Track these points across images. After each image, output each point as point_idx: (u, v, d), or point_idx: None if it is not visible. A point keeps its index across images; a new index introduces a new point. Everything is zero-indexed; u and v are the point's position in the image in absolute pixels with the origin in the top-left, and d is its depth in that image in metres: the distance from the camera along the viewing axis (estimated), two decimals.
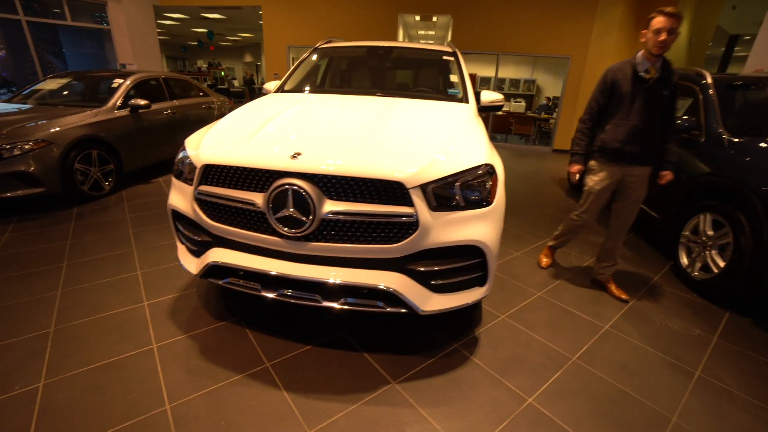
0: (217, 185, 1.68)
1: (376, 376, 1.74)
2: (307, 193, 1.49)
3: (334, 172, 1.51)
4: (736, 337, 2.20)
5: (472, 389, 1.70)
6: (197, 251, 1.87)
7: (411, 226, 1.55)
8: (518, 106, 10.30)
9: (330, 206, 1.52)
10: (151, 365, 1.72)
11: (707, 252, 2.59)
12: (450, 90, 2.89)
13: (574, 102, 7.90)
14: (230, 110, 6.24)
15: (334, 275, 1.58)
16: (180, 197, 1.86)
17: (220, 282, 1.76)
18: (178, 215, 1.94)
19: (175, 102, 4.89)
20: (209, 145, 1.77)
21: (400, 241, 1.55)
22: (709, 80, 3.00)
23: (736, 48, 12.07)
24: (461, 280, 1.72)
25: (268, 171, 1.57)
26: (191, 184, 1.76)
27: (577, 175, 2.42)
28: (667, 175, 2.31)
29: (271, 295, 1.67)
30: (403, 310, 1.63)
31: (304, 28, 8.34)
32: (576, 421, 1.57)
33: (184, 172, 1.85)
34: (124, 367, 1.71)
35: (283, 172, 1.55)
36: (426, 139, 1.79)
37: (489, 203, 1.68)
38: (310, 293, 1.66)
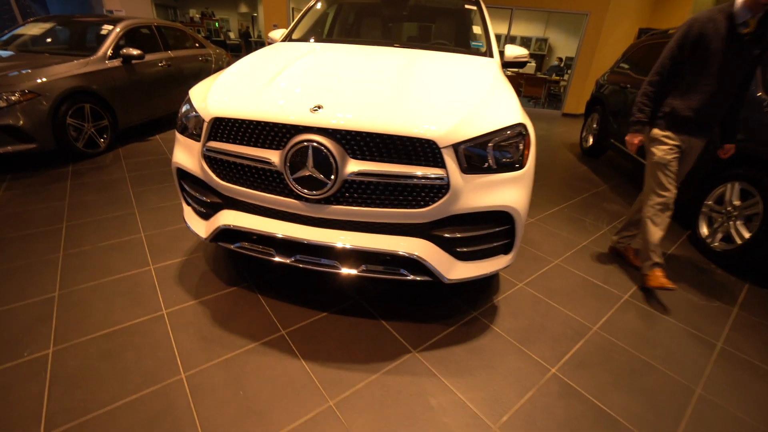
0: (227, 141, 1.53)
1: (396, 344, 1.69)
2: (329, 151, 1.36)
3: (359, 127, 1.37)
4: (756, 309, 2.16)
5: (494, 359, 1.66)
6: (206, 213, 1.76)
7: (441, 189, 1.43)
8: (528, 66, 9.84)
9: (354, 166, 1.39)
10: (162, 332, 1.66)
11: (731, 222, 2.50)
12: (473, 43, 2.65)
13: (589, 63, 7.51)
14: (228, 64, 5.94)
15: (354, 240, 1.49)
16: (186, 154, 1.72)
17: (232, 246, 1.66)
18: (184, 174, 1.81)
19: (170, 53, 4.56)
20: (218, 96, 1.60)
21: (428, 205, 1.44)
22: None
23: None
24: (487, 247, 1.63)
25: (285, 125, 1.42)
26: (198, 140, 1.62)
27: (637, 147, 2.14)
28: (731, 149, 2.13)
29: (286, 261, 1.58)
30: (427, 278, 1.55)
31: None
32: (600, 391, 1.54)
33: (189, 126, 1.69)
34: (134, 333, 1.65)
35: (302, 127, 1.40)
36: (455, 95, 1.63)
37: (521, 166, 1.56)
38: (329, 259, 1.57)
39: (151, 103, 4.31)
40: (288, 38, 2.63)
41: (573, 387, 1.55)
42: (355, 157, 1.41)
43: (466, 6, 2.81)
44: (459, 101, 1.55)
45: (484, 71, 1.95)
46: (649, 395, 1.55)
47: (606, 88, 4.72)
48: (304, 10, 2.82)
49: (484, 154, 1.48)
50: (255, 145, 1.48)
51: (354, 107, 1.43)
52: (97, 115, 3.66)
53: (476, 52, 2.43)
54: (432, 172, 1.40)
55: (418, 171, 1.39)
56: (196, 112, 1.63)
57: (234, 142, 1.52)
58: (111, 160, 3.66)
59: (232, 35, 15.67)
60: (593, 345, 1.79)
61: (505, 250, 1.69)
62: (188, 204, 1.88)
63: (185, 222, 1.85)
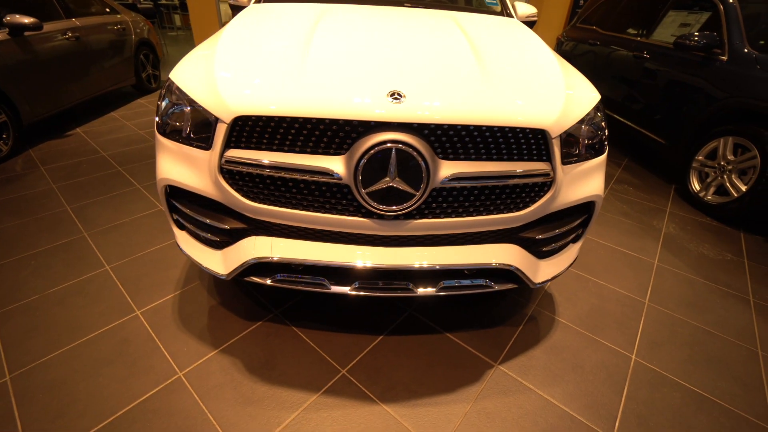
0: (259, 148, 1.12)
1: (474, 360, 1.50)
2: (420, 153, 1.03)
3: (453, 119, 1.06)
4: (761, 257, 2.32)
5: (575, 356, 1.55)
6: (220, 243, 1.34)
7: (543, 186, 1.20)
8: None
9: (447, 169, 1.09)
10: (188, 404, 1.27)
11: (725, 176, 2.63)
12: (488, 1, 2.34)
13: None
14: (150, 34, 4.88)
15: (438, 258, 1.21)
16: (182, 167, 1.26)
17: (267, 282, 1.29)
18: (178, 194, 1.35)
19: (76, 21, 3.56)
20: (240, 83, 1.15)
21: (528, 206, 1.21)
22: None
23: None
24: (565, 242, 1.46)
25: (351, 123, 1.06)
26: (206, 149, 1.18)
27: None
28: None
29: (345, 291, 1.27)
30: (513, 286, 1.35)
31: None
32: (684, 372, 1.51)
33: (185, 128, 1.23)
34: (149, 415, 1.24)
35: (374, 123, 1.05)
36: (535, 69, 1.36)
37: (603, 149, 1.38)
38: (400, 281, 1.28)
39: (61, 88, 3.38)
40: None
41: (659, 372, 1.50)
42: (446, 158, 1.10)
43: None
44: (548, 77, 1.29)
45: (528, 34, 1.69)
46: (725, 366, 1.56)
47: (570, 46, 4.70)
48: None
49: (578, 139, 1.26)
50: (304, 152, 1.10)
51: (439, 93, 1.10)
52: None
53: (489, 10, 2.14)
54: (536, 167, 1.15)
55: (520, 168, 1.14)
56: (198, 106, 1.17)
57: (270, 149, 1.11)
58: (23, 168, 2.83)
59: None
60: (654, 321, 1.76)
61: (575, 239, 1.54)
62: (184, 228, 1.44)
63: (181, 250, 1.41)
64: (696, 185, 2.85)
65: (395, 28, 1.55)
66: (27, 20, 2.92)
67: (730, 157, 2.59)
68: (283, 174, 1.10)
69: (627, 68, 3.56)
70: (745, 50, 2.58)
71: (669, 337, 1.68)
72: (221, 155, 1.13)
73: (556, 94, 1.20)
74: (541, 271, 1.40)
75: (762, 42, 2.61)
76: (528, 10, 2.25)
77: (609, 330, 1.69)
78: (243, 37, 1.43)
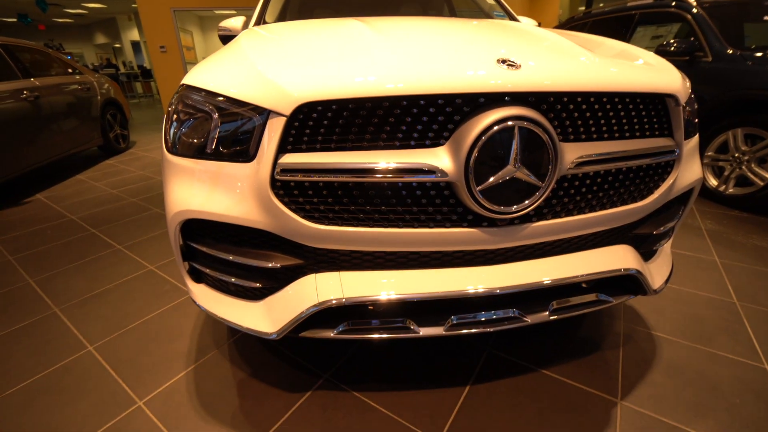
0: (327, 148, 0.84)
1: (589, 398, 1.19)
2: (547, 131, 0.80)
3: (578, 86, 0.84)
4: None
5: (702, 375, 1.27)
6: (261, 291, 1.02)
7: (667, 166, 1.00)
8: None
9: (572, 152, 0.86)
10: None
11: (743, 167, 2.61)
12: (495, 12, 2.30)
13: None
14: (117, 93, 4.61)
15: (560, 270, 0.95)
16: (209, 192, 0.95)
17: (330, 334, 0.96)
18: (198, 232, 1.03)
19: (35, 81, 3.26)
20: (298, 66, 0.89)
21: (652, 192, 0.99)
22: (693, 1, 3.02)
23: None
24: (666, 239, 1.25)
25: (454, 101, 0.81)
26: (248, 160, 0.89)
27: None
28: None
29: (438, 332, 0.96)
30: (630, 297, 1.10)
31: None
32: None
33: (210, 142, 0.94)
34: None
35: (488, 100, 0.82)
36: (619, 46, 1.21)
37: (697, 129, 1.22)
38: (505, 309, 1.00)
39: (15, 152, 2.99)
40: (260, 22, 1.92)
41: None
42: (566, 139, 0.88)
43: None
44: (642, 53, 1.14)
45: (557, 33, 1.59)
46: None
47: None
48: None
49: (691, 111, 1.09)
50: (390, 147, 0.83)
51: (554, 61, 0.90)
52: None
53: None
54: (663, 143, 0.95)
55: (647, 144, 0.93)
56: (235, 106, 0.89)
57: (344, 148, 0.84)
58: None
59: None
60: (758, 321, 1.54)
61: (668, 237, 1.34)
62: (202, 280, 1.10)
63: (202, 309, 1.07)
64: (713, 181, 2.81)
65: (452, 24, 1.35)
66: None
67: (744, 147, 2.58)
68: (363, 179, 0.82)
69: None
70: (729, 51, 2.69)
71: None
72: (274, 164, 0.84)
73: (665, 63, 1.05)
74: (654, 274, 1.16)
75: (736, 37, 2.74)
76: (531, 22, 2.23)
77: (719, 339, 1.44)
78: (270, 37, 1.21)
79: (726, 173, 2.72)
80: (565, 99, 0.86)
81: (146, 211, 2.80)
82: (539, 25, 2.22)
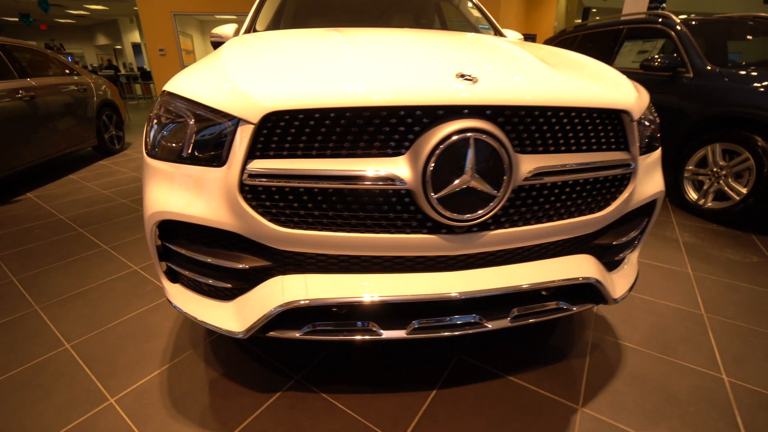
0: (294, 155, 0.89)
1: (552, 405, 1.22)
2: (502, 143, 0.85)
3: (533, 101, 0.89)
4: None
5: (663, 384, 1.31)
6: (231, 291, 1.05)
7: (623, 179, 1.04)
8: None
9: (527, 163, 0.91)
10: None
11: (721, 182, 2.67)
12: (481, 26, 2.37)
13: None
14: (113, 95, 4.66)
15: (519, 277, 0.99)
16: (183, 194, 0.99)
17: (296, 335, 0.99)
18: (174, 233, 1.07)
19: (31, 81, 3.30)
20: (267, 75, 0.94)
21: (608, 204, 1.04)
22: (678, 19, 3.11)
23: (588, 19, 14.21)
24: (631, 249, 1.30)
25: (414, 113, 0.86)
26: (219, 165, 0.93)
27: None
28: None
29: (400, 335, 0.99)
30: (590, 306, 1.14)
31: None
32: None
33: (186, 146, 0.98)
34: None
35: (447, 112, 0.87)
36: (582, 61, 1.27)
37: (659, 142, 1.27)
38: (466, 315, 1.03)
39: (9, 151, 3.02)
40: (250, 30, 1.98)
41: (761, 392, 1.29)
42: (523, 151, 0.92)
43: None
44: (605, 68, 1.19)
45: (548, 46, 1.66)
46: None
47: None
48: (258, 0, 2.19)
49: (647, 126, 1.15)
50: (353, 155, 0.88)
51: (511, 75, 0.95)
52: None
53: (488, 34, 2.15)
54: (618, 157, 1.00)
55: (602, 158, 0.98)
56: (208, 113, 0.94)
57: (309, 155, 0.88)
58: None
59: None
60: (723, 333, 1.58)
61: (634, 247, 1.38)
62: (178, 280, 1.14)
63: (176, 307, 1.10)
64: (692, 194, 2.87)
65: (425, 36, 1.43)
66: None
67: (722, 162, 2.65)
68: (327, 185, 0.87)
69: None
70: (708, 67, 2.77)
71: (748, 350, 1.49)
72: (242, 169, 0.88)
73: (622, 79, 1.10)
74: (615, 284, 1.21)
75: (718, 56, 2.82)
76: (516, 36, 2.29)
77: (682, 349, 1.48)
78: (250, 47, 1.26)
79: (705, 187, 2.78)
80: (522, 112, 0.90)
81: (135, 212, 2.82)
82: (525, 38, 2.29)
